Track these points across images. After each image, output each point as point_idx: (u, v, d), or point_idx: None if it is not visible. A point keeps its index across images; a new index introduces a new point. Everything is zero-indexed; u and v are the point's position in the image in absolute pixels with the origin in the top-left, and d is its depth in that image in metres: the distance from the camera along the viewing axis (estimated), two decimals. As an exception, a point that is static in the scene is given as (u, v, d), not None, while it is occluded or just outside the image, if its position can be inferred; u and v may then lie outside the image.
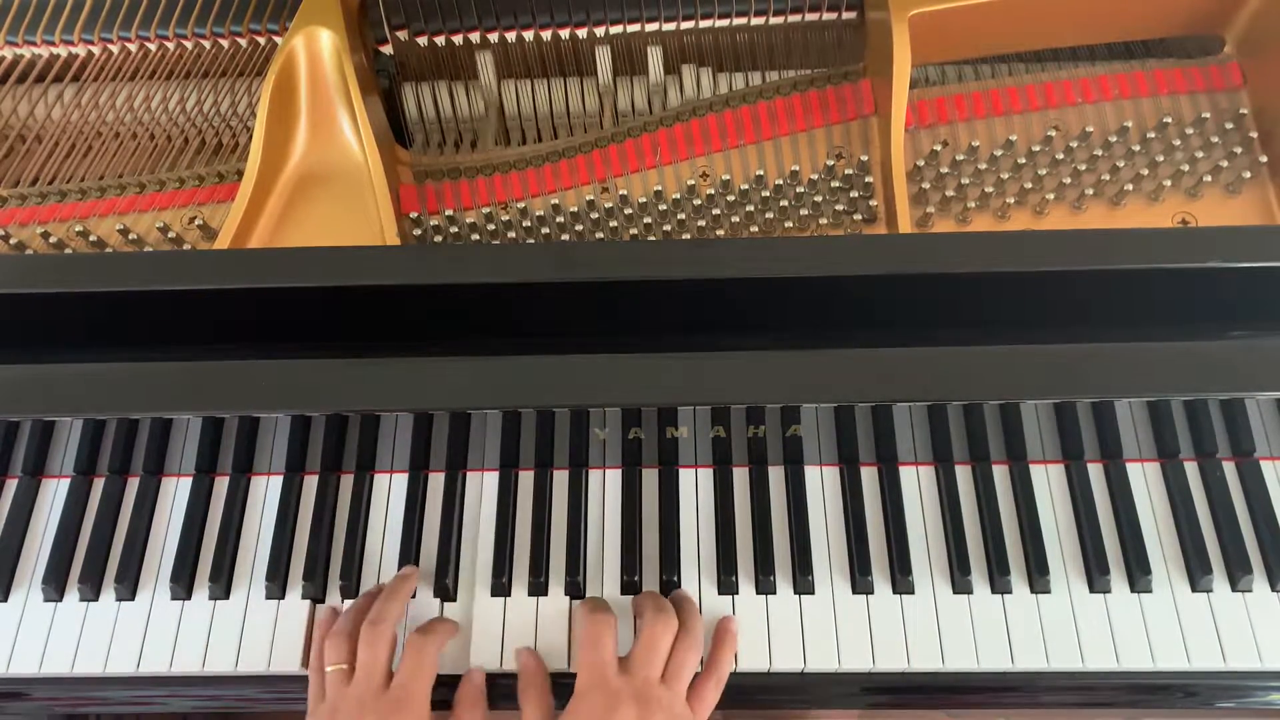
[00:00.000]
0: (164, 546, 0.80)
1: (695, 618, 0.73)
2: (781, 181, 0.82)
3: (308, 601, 0.78)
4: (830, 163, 0.84)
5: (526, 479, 0.82)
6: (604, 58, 0.89)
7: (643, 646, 0.69)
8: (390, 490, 0.82)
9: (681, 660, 0.69)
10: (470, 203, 0.85)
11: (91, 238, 0.82)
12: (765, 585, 0.77)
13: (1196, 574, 0.75)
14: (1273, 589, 0.75)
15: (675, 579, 0.77)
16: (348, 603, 0.77)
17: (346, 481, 0.83)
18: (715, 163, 0.86)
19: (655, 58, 0.89)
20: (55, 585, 0.79)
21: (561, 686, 0.76)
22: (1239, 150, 0.83)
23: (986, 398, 0.71)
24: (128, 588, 0.78)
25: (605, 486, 0.81)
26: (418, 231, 0.84)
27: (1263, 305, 0.69)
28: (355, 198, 0.84)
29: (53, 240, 0.83)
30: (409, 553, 0.79)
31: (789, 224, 0.82)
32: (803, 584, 0.76)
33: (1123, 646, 0.73)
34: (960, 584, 0.76)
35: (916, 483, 0.80)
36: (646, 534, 0.79)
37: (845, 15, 0.88)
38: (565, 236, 0.83)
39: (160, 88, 0.91)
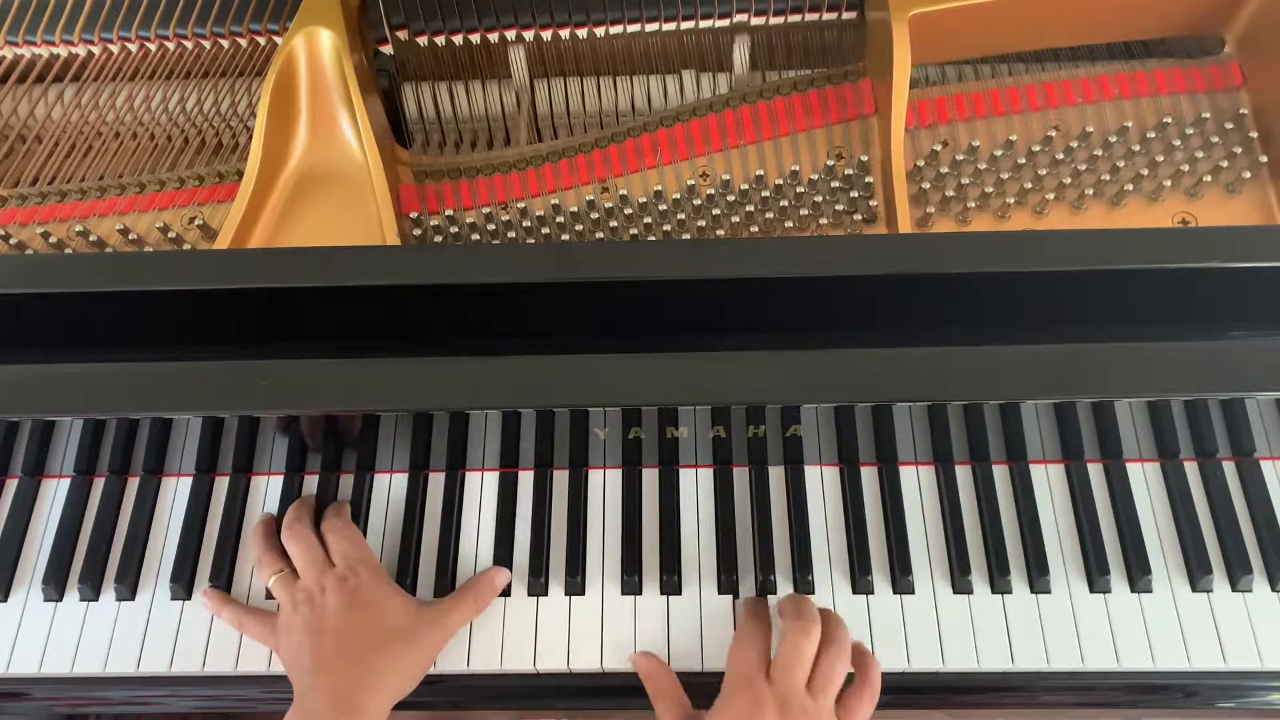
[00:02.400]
0: (164, 546, 0.80)
1: (841, 626, 0.71)
2: (781, 181, 0.82)
3: (308, 601, 0.78)
4: (830, 163, 0.84)
5: (526, 479, 0.82)
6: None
7: (787, 654, 0.68)
8: (390, 490, 0.82)
9: (828, 670, 0.68)
10: (470, 203, 0.85)
11: (91, 238, 0.82)
12: (765, 585, 0.77)
13: (1196, 574, 0.75)
14: (1273, 589, 0.75)
15: (675, 579, 0.77)
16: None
17: (346, 481, 0.83)
18: (715, 163, 0.86)
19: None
20: (55, 585, 0.79)
21: (568, 688, 0.76)
22: (1239, 150, 0.83)
23: (986, 398, 0.71)
24: (128, 588, 0.78)
25: (605, 486, 0.81)
26: (418, 231, 0.84)
27: (1263, 305, 0.69)
28: (355, 198, 0.84)
29: (53, 240, 0.83)
30: (409, 552, 0.79)
31: (789, 224, 0.82)
32: (803, 584, 0.76)
33: (1123, 646, 0.73)
34: (960, 584, 0.76)
35: (916, 483, 0.80)
36: (647, 534, 0.79)
37: (845, 15, 0.88)
38: (565, 236, 0.83)
39: (160, 88, 0.91)
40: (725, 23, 0.88)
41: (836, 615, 0.73)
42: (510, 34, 0.88)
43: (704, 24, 0.88)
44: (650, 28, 0.88)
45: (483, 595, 0.76)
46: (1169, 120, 0.84)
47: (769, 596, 0.76)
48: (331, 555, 0.75)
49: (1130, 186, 0.82)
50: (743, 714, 0.66)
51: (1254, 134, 0.84)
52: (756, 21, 0.88)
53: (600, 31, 0.88)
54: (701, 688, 0.72)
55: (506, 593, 0.77)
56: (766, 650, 0.70)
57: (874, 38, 0.85)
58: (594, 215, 0.83)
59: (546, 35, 0.88)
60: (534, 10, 0.87)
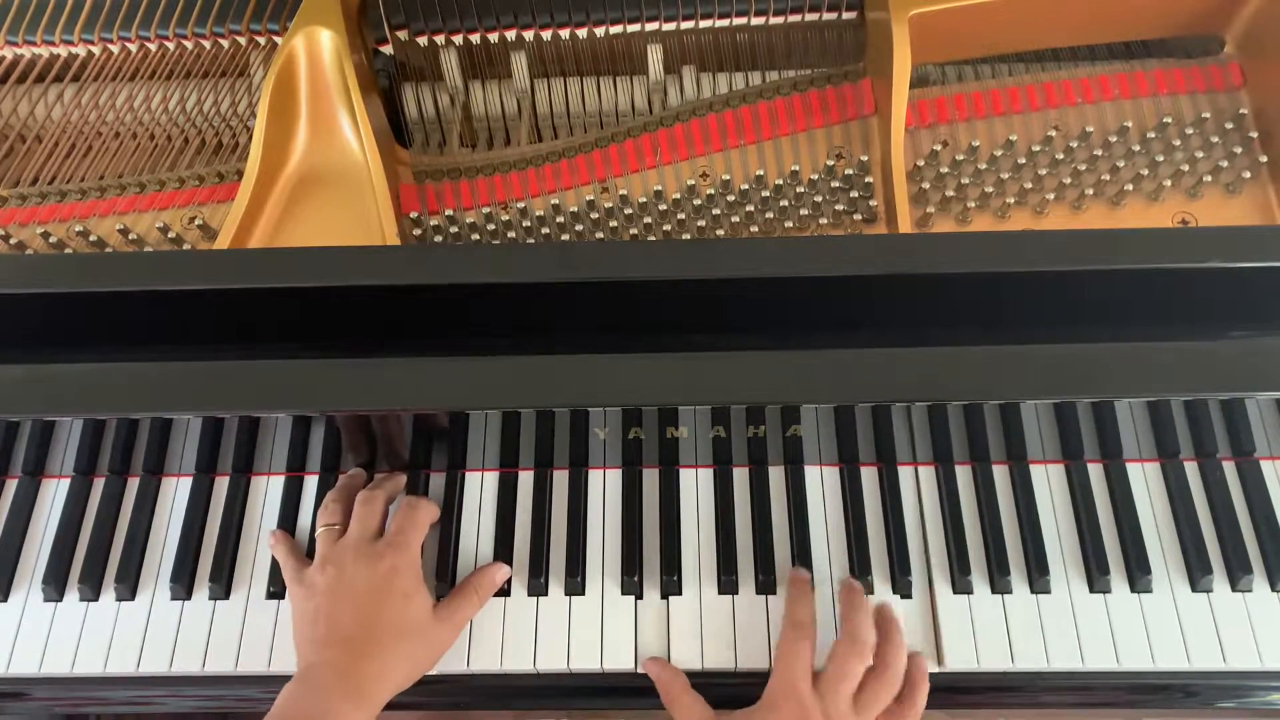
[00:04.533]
0: (164, 546, 0.80)
1: (898, 651, 0.71)
2: (781, 181, 0.82)
3: (308, 601, 0.78)
4: (830, 163, 0.84)
5: (526, 479, 0.82)
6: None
7: (835, 671, 0.69)
8: (390, 490, 0.82)
9: (875, 692, 0.69)
10: (470, 203, 0.85)
11: (91, 238, 0.82)
12: (765, 585, 0.77)
13: (1196, 574, 0.75)
14: (1273, 589, 0.75)
15: (675, 579, 0.77)
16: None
17: (346, 481, 0.83)
18: (715, 163, 0.86)
19: (655, 57, 0.89)
20: (55, 585, 0.79)
21: (568, 688, 0.76)
22: (1239, 150, 0.83)
23: (986, 398, 0.71)
24: (128, 588, 0.78)
25: (605, 486, 0.81)
26: (418, 231, 0.84)
27: (1263, 305, 0.69)
28: (355, 198, 0.84)
29: (53, 240, 0.83)
30: (409, 553, 0.79)
31: (789, 224, 0.82)
32: (803, 584, 0.76)
33: (1123, 646, 0.73)
34: (960, 584, 0.76)
35: (916, 483, 0.80)
36: (647, 534, 0.79)
37: (845, 15, 0.88)
38: (565, 236, 0.83)
39: (160, 88, 0.91)
40: (725, 23, 0.88)
41: (899, 639, 0.72)
42: (510, 34, 0.88)
43: (704, 24, 0.88)
44: (650, 27, 0.88)
45: (484, 590, 0.76)
46: (1169, 120, 0.84)
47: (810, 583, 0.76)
48: (388, 526, 0.75)
49: (1130, 186, 0.82)
50: None
51: (1254, 134, 0.84)
52: (756, 21, 0.88)
53: (600, 31, 0.88)
54: (701, 689, 0.72)
55: (506, 592, 0.77)
56: (812, 660, 0.70)
57: (874, 38, 0.85)
58: (594, 215, 0.83)
59: (546, 35, 0.88)
60: (534, 10, 0.87)
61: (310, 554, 0.78)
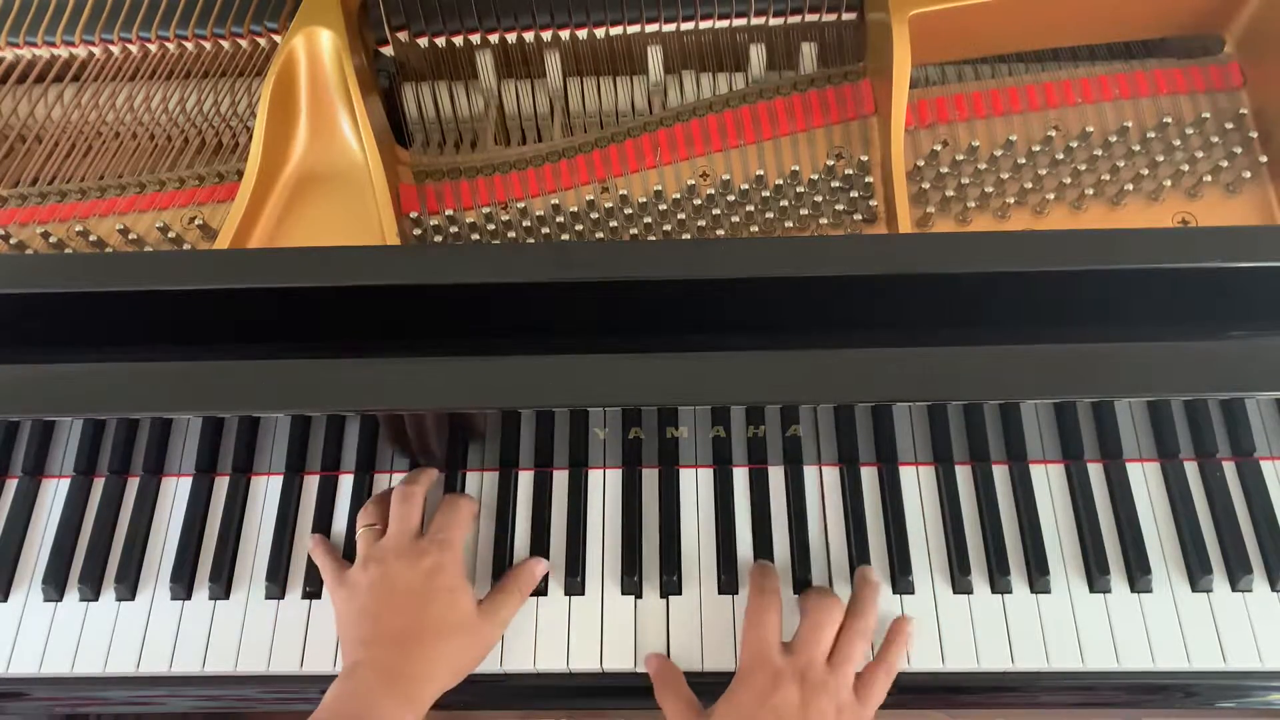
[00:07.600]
0: (164, 546, 0.81)
1: (870, 606, 0.72)
2: (781, 181, 0.82)
3: (308, 601, 0.78)
4: (830, 163, 0.84)
5: (526, 479, 0.82)
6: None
7: (807, 628, 0.69)
8: (390, 490, 0.82)
9: (848, 645, 0.69)
10: (470, 203, 0.85)
11: (91, 238, 0.82)
12: (765, 585, 0.77)
13: (1196, 574, 0.75)
14: (1273, 589, 0.75)
15: (675, 579, 0.77)
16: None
17: (346, 481, 0.83)
18: (715, 163, 0.86)
19: (655, 58, 0.89)
20: (55, 585, 0.79)
21: (568, 688, 0.76)
22: (1239, 150, 0.83)
23: (986, 398, 0.71)
24: (128, 588, 0.78)
25: (605, 486, 0.81)
26: (418, 231, 0.84)
27: (1263, 305, 0.69)
28: (355, 198, 0.84)
29: (53, 240, 0.83)
30: (409, 553, 0.79)
31: (789, 224, 0.82)
32: (802, 584, 0.76)
33: (1123, 646, 0.73)
34: (960, 584, 0.76)
35: (916, 483, 0.80)
36: (647, 534, 0.79)
37: (845, 15, 0.88)
38: (565, 236, 0.83)
39: (160, 88, 0.91)
40: (725, 24, 0.88)
41: (872, 593, 0.73)
42: (510, 36, 0.88)
43: (704, 25, 0.88)
44: (650, 28, 0.88)
45: (525, 584, 0.75)
46: (1169, 120, 0.84)
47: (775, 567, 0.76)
48: (429, 523, 0.74)
49: (1130, 186, 0.82)
50: (761, 690, 0.66)
51: (1254, 134, 0.84)
52: (756, 22, 0.88)
53: (600, 33, 0.88)
54: (702, 688, 0.72)
55: (506, 593, 0.77)
56: (779, 625, 0.70)
57: (874, 38, 0.85)
58: (594, 215, 0.83)
59: (547, 36, 0.88)
60: (534, 11, 0.87)
61: (348, 556, 0.78)
